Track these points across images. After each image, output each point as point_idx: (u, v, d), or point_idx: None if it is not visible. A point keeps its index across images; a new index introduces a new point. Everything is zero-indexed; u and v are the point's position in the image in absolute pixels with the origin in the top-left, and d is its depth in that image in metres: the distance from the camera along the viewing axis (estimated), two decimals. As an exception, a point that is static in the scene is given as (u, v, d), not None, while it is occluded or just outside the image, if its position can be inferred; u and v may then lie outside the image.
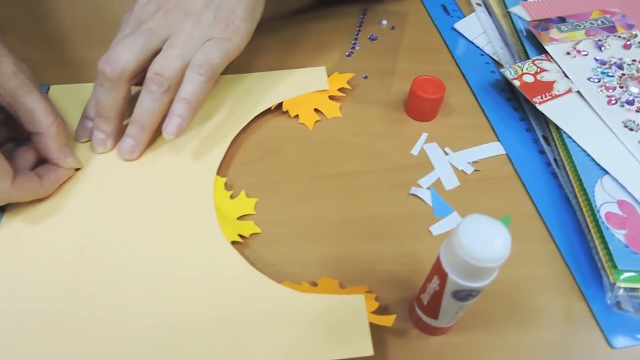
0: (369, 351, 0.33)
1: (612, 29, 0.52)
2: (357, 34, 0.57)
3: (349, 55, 0.55)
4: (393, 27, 0.58)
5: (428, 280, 0.32)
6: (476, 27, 0.57)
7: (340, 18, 0.59)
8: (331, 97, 0.50)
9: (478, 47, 0.56)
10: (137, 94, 0.43)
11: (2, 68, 0.37)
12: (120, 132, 0.44)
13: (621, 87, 0.47)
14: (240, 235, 0.40)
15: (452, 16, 0.59)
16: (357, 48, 0.55)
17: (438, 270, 0.30)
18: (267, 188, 0.44)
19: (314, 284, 0.38)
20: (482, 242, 0.26)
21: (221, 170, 0.44)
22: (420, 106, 0.48)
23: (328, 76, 0.51)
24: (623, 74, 0.48)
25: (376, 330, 0.35)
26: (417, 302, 0.35)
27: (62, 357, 0.34)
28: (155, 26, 0.42)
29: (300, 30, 0.57)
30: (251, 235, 0.41)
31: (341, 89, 0.50)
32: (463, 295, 0.29)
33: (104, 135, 0.44)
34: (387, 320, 0.35)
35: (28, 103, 0.39)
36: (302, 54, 0.54)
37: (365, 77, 0.52)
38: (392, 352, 0.36)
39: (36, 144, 0.41)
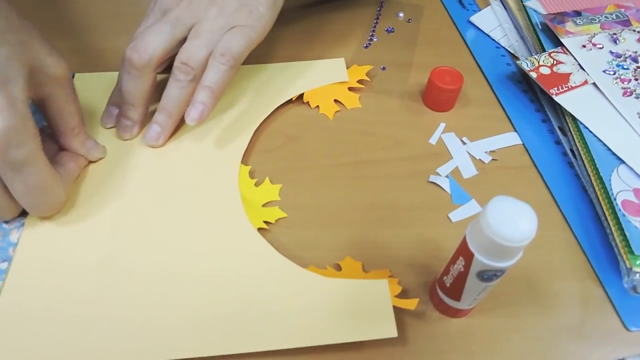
0: (393, 333, 0.34)
1: (626, 23, 0.53)
2: (375, 26, 0.58)
3: (366, 47, 0.55)
4: (409, 20, 0.59)
5: (452, 262, 0.33)
6: (492, 21, 0.58)
7: (357, 10, 0.59)
8: (350, 89, 0.51)
9: (494, 40, 0.56)
10: (162, 82, 0.44)
11: (44, 67, 0.37)
12: (145, 120, 0.45)
13: (636, 80, 0.48)
14: (265, 222, 0.41)
15: (467, 9, 0.60)
16: (375, 40, 0.56)
17: (464, 251, 0.30)
18: (289, 175, 0.45)
19: (338, 267, 0.39)
20: (510, 221, 0.27)
21: (244, 159, 0.45)
22: (439, 96, 0.49)
23: (347, 68, 0.52)
24: (638, 67, 0.49)
25: (397, 313, 0.36)
26: (439, 285, 0.36)
27: (92, 353, 0.34)
28: (180, 14, 0.43)
29: (317, 22, 0.58)
30: (275, 220, 0.42)
31: (360, 81, 0.51)
32: (488, 275, 0.30)
33: (130, 122, 0.45)
34: (410, 304, 0.36)
35: (60, 104, 0.39)
36: (320, 45, 0.55)
37: (383, 68, 0.53)
38: (414, 334, 0.37)
39: (58, 138, 0.41)
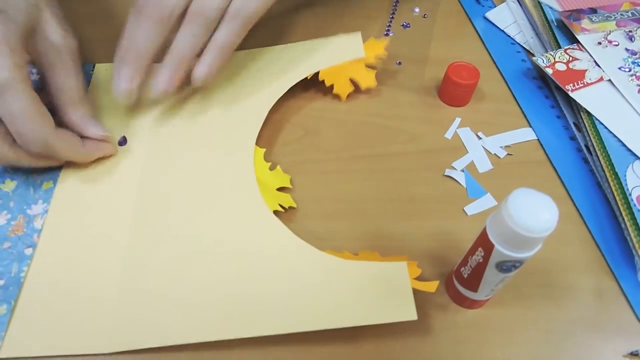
0: (413, 316, 0.34)
1: (642, 21, 0.53)
2: (390, 21, 0.58)
3: (382, 42, 0.56)
4: (425, 15, 0.59)
5: (471, 252, 0.33)
6: (507, 17, 0.59)
7: (373, 5, 0.60)
8: (367, 65, 0.50)
9: (509, 36, 0.57)
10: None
11: (47, 35, 0.39)
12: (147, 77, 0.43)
13: (651, 77, 0.48)
14: (281, 206, 0.42)
15: (482, 5, 0.60)
16: (390, 35, 0.57)
17: (483, 242, 0.31)
18: (307, 167, 0.45)
19: (355, 254, 0.40)
20: (531, 213, 0.28)
21: (262, 144, 0.46)
22: (455, 91, 0.49)
23: (363, 42, 0.50)
24: (653, 64, 0.49)
25: (416, 299, 0.36)
26: (455, 276, 0.37)
27: (113, 336, 0.35)
28: None
29: (333, 16, 0.58)
30: (292, 210, 0.42)
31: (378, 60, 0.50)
32: (507, 266, 0.31)
33: (129, 71, 0.42)
34: (430, 287, 0.35)
35: (62, 77, 0.40)
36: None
37: (399, 63, 0.54)
38: (431, 324, 0.37)
39: (59, 113, 0.41)
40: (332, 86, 0.49)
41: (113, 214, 0.41)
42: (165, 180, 0.43)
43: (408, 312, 0.34)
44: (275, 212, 0.41)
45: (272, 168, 0.44)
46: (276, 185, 0.43)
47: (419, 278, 0.37)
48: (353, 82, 0.50)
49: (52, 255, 0.39)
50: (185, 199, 0.41)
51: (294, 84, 0.48)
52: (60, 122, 0.41)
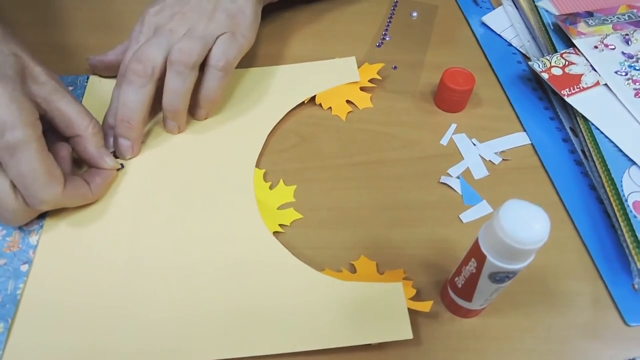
0: (408, 335, 0.35)
1: (638, 24, 0.53)
2: (388, 25, 0.58)
3: (379, 46, 0.56)
4: (423, 19, 0.59)
5: (464, 263, 0.33)
6: (504, 21, 0.59)
7: (371, 9, 0.60)
8: (362, 88, 0.51)
9: (505, 40, 0.57)
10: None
11: (36, 77, 0.39)
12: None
13: (648, 80, 0.48)
14: (281, 225, 0.42)
15: (480, 7, 0.60)
16: (387, 39, 0.57)
17: (476, 253, 0.31)
18: (302, 175, 0.45)
19: (352, 267, 0.40)
20: (523, 225, 0.28)
21: (258, 161, 0.46)
22: (450, 97, 0.49)
23: (358, 67, 0.52)
24: (650, 68, 0.49)
25: (410, 313, 0.36)
26: (450, 286, 0.37)
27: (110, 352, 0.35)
28: (174, 26, 0.44)
29: (330, 21, 0.58)
30: (290, 223, 0.42)
31: (372, 80, 0.51)
32: (500, 277, 0.31)
33: (129, 142, 0.44)
34: (424, 307, 0.37)
35: (62, 107, 0.40)
36: (333, 44, 0.55)
37: (395, 67, 0.54)
38: (426, 334, 0.37)
39: (74, 147, 0.42)
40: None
41: (110, 229, 0.41)
42: (164, 203, 0.42)
43: (404, 332, 0.35)
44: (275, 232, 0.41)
45: (272, 186, 0.44)
46: (278, 204, 0.43)
47: (416, 295, 0.38)
48: (350, 102, 0.50)
49: (49, 271, 0.38)
50: (183, 223, 0.41)
51: (290, 108, 0.49)
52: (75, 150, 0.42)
